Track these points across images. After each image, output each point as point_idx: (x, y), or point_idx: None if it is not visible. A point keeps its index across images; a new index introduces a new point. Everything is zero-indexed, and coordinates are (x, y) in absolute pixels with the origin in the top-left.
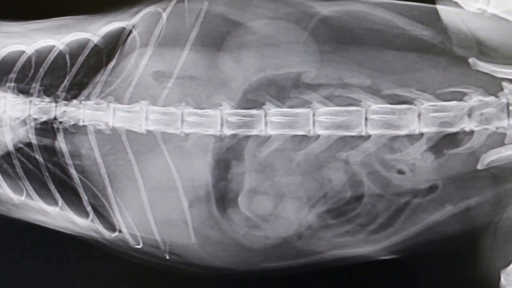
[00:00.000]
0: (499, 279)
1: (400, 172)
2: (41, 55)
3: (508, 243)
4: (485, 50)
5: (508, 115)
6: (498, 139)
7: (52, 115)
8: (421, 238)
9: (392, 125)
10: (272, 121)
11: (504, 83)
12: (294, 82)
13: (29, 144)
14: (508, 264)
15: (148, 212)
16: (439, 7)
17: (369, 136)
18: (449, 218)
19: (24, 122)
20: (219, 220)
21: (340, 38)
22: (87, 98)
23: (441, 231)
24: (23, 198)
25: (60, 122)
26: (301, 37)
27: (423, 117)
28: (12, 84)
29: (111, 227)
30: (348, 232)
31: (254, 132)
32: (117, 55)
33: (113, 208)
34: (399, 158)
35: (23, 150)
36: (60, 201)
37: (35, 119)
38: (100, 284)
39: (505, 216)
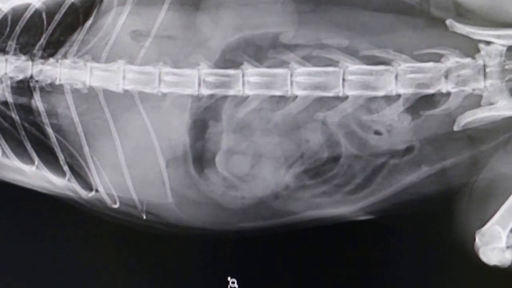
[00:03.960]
0: (474, 239)
1: (377, 133)
2: (17, 13)
3: (483, 204)
4: (462, 12)
5: (485, 77)
6: (475, 101)
7: (28, 74)
8: (398, 199)
9: (370, 86)
10: (249, 81)
11: (481, 45)
12: (272, 42)
13: (5, 103)
14: (483, 225)
15: (125, 172)
16: None
17: (347, 97)
18: (425, 179)
19: (0, 80)
20: (196, 180)
21: None
22: (64, 56)
23: (417, 192)
24: None
25: (37, 81)
26: None
27: (400, 78)
28: None
29: (88, 186)
30: (325, 192)
31: (231, 92)
32: (94, 14)
33: (90, 168)
34: (376, 119)
35: None
36: (37, 160)
37: (11, 78)
38: (77, 244)
39: (480, 177)
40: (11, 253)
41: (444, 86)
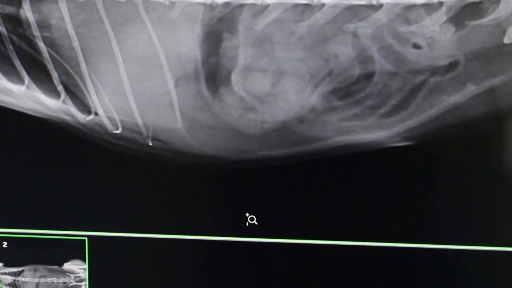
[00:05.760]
0: None
1: (416, 46)
2: None
3: None
4: None
5: None
6: None
7: None
8: (440, 122)
9: None
10: None
11: None
12: None
13: None
14: None
15: (128, 92)
16: None
17: (381, 5)
18: (471, 99)
19: None
20: (210, 101)
21: None
22: None
23: (462, 114)
24: None
25: None
26: None
27: None
28: None
29: (86, 109)
30: (356, 115)
31: (249, 0)
32: None
33: (88, 87)
34: (415, 31)
35: None
36: (27, 79)
37: None
38: (74, 174)
39: None
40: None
41: None
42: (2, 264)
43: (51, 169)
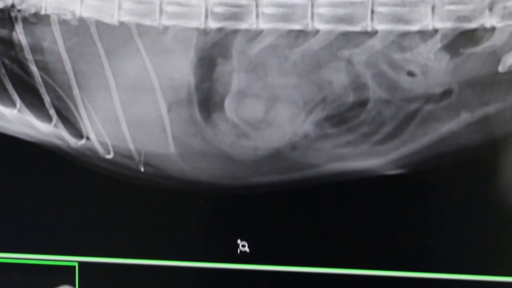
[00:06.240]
0: None
1: (410, 73)
2: None
3: None
4: None
5: None
6: None
7: (9, 2)
8: (433, 150)
9: (402, 19)
10: (264, 12)
11: None
12: None
13: None
14: None
15: (121, 117)
16: None
17: (376, 32)
18: (465, 128)
19: None
20: (203, 127)
21: None
22: None
23: (456, 143)
24: None
25: (19, 10)
26: None
27: (437, 10)
28: None
29: (78, 133)
30: (350, 142)
31: (243, 25)
32: None
33: (80, 112)
34: (410, 58)
35: None
36: (19, 103)
37: None
38: (65, 199)
39: None
40: None
41: (488, 20)
42: None
43: (42, 193)
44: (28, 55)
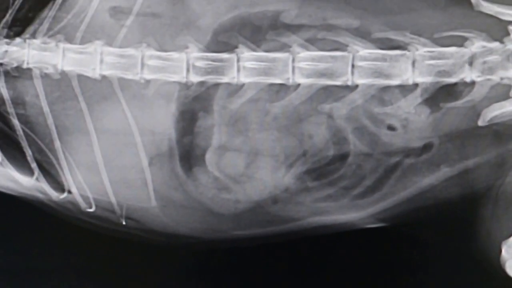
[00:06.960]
0: (500, 251)
1: (391, 128)
2: None
3: (511, 210)
4: None
5: None
6: (502, 92)
7: None
8: (413, 204)
9: (383, 74)
10: (245, 66)
11: (511, 27)
12: (271, 22)
13: None
14: (511, 235)
15: (102, 171)
16: None
17: (356, 86)
18: (445, 182)
19: None
20: (184, 180)
21: None
22: (33, 36)
23: (436, 196)
24: None
25: (1, 64)
26: None
27: (418, 65)
28: None
29: (59, 187)
30: (330, 196)
31: (224, 79)
32: None
33: (62, 165)
34: (390, 112)
35: None
36: (0, 156)
37: None
38: (46, 253)
39: (508, 180)
40: None
41: (468, 75)
42: None
43: (22, 247)
44: (10, 109)
